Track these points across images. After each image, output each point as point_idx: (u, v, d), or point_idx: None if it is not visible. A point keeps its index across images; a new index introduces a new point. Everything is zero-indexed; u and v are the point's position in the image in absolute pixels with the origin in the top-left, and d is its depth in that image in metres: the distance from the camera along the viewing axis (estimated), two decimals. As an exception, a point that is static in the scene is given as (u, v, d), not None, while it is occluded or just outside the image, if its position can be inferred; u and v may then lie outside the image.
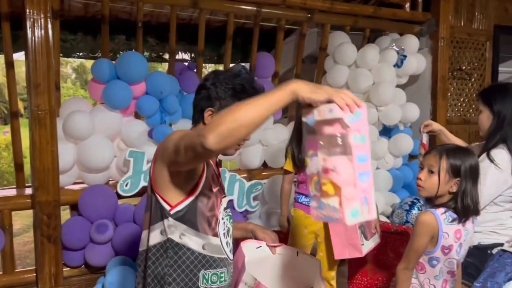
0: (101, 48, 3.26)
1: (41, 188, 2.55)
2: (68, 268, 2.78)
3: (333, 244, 1.97)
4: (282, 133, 3.42)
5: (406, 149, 3.73)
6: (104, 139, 2.79)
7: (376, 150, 3.67)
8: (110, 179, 2.96)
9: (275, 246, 1.70)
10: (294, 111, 2.56)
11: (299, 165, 2.46)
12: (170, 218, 1.38)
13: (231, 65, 3.50)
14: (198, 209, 1.40)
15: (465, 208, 1.68)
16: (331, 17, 3.62)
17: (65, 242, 2.66)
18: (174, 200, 1.38)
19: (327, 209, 1.20)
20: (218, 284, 1.45)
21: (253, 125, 1.11)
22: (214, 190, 1.45)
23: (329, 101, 1.14)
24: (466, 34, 4.15)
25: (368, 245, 1.96)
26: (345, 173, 1.15)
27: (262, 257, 1.66)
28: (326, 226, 2.42)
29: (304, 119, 1.19)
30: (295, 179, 2.61)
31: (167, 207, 1.38)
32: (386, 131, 3.91)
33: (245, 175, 3.26)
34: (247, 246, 1.64)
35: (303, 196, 2.50)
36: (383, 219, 3.37)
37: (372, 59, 3.62)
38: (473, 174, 1.69)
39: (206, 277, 1.42)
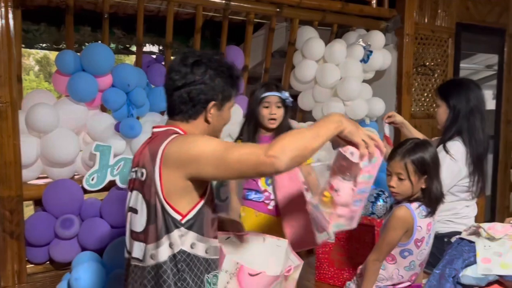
0: (66, 39, 3.17)
1: (3, 183, 2.47)
2: (32, 265, 2.72)
3: (288, 237, 1.97)
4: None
5: (372, 143, 3.81)
6: (69, 132, 2.73)
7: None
8: (76, 173, 2.90)
9: (242, 235, 1.74)
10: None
11: None
12: (182, 228, 1.32)
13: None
14: (206, 213, 1.37)
15: (434, 200, 1.76)
16: (299, 12, 3.65)
17: (29, 238, 2.59)
18: (185, 208, 1.32)
19: (320, 212, 1.51)
20: (217, 284, 1.43)
21: (313, 153, 1.27)
22: (213, 191, 1.45)
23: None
24: (430, 31, 4.27)
25: (322, 237, 2.00)
26: (344, 197, 1.44)
27: (233, 246, 1.70)
28: (279, 223, 2.35)
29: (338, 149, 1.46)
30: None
31: (178, 217, 1.32)
32: (353, 125, 3.98)
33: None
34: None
35: (253, 193, 2.35)
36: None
37: (339, 54, 3.68)
38: (435, 166, 1.76)
39: (209, 280, 1.40)
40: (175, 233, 1.31)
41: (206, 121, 1.43)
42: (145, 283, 1.36)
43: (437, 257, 2.00)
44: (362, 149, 1.36)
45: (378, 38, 3.89)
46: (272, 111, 2.25)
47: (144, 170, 1.37)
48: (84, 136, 2.91)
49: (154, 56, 3.64)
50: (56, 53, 2.99)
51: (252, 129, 2.33)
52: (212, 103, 1.40)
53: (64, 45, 3.56)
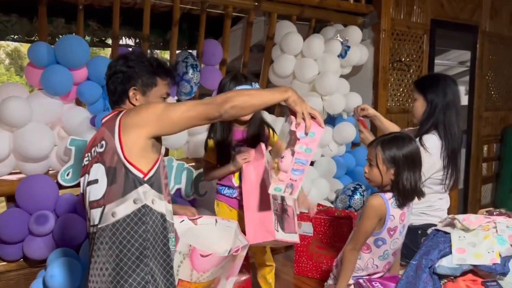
0: (39, 31, 3.09)
1: (-27, 179, 2.40)
2: (5, 263, 2.65)
3: (247, 230, 1.99)
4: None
5: (350, 137, 3.86)
6: (43, 126, 2.66)
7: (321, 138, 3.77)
8: (50, 168, 2.83)
9: (196, 219, 1.92)
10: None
11: (223, 155, 2.29)
12: (145, 185, 1.45)
13: (177, 51, 3.44)
14: (160, 175, 1.50)
15: (403, 193, 1.78)
16: (278, 6, 3.64)
17: (1, 235, 2.53)
18: (145, 167, 1.46)
19: (268, 177, 1.80)
20: (173, 248, 1.55)
21: (255, 108, 1.56)
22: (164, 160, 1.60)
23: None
24: (406, 27, 4.34)
25: (283, 235, 2.02)
26: (285, 163, 1.66)
27: (186, 229, 1.85)
28: None
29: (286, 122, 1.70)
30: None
31: (140, 175, 1.45)
32: (331, 120, 4.02)
33: (193, 163, 3.24)
34: None
35: (226, 188, 2.35)
36: (327, 204, 3.48)
37: (317, 49, 3.69)
38: (410, 160, 1.78)
39: (171, 241, 1.53)
40: (140, 190, 1.44)
41: (133, 104, 1.60)
42: (107, 241, 1.44)
43: (411, 249, 2.04)
44: (298, 118, 1.59)
45: (355, 33, 3.93)
46: None
47: (103, 142, 1.51)
48: (59, 131, 2.84)
49: (130, 49, 3.57)
50: (28, 45, 2.91)
51: (226, 126, 2.26)
52: (132, 88, 1.58)
53: (37, 37, 3.46)
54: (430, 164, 2.16)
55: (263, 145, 2.16)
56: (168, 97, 1.69)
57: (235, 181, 2.32)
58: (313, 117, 1.63)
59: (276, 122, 3.73)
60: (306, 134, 1.62)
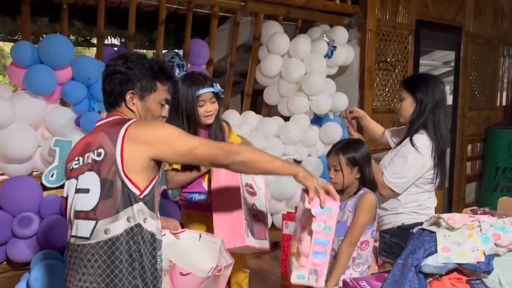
0: (22, 30, 3.04)
1: (-45, 181, 2.35)
2: (-13, 266, 2.61)
3: (215, 235, 1.89)
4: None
5: (336, 137, 3.88)
6: (26, 127, 2.62)
7: (307, 138, 3.78)
8: (34, 170, 2.79)
9: (178, 233, 1.82)
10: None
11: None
12: (140, 203, 1.39)
13: (163, 51, 3.42)
14: (155, 193, 1.45)
15: (372, 185, 2.00)
16: (264, 6, 3.64)
17: (-16, 238, 2.48)
18: (143, 184, 1.40)
19: (291, 264, 1.67)
20: (160, 264, 1.49)
21: (261, 172, 1.66)
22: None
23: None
24: (391, 27, 4.38)
25: (253, 241, 1.98)
26: (304, 245, 1.59)
27: (168, 243, 1.73)
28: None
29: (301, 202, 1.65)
30: None
31: (137, 192, 1.38)
32: (317, 120, 4.04)
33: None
34: None
35: (197, 194, 2.19)
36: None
37: (304, 49, 3.70)
38: (367, 158, 1.99)
39: (159, 259, 1.47)
40: (135, 207, 1.38)
41: (129, 109, 1.51)
42: (97, 259, 1.37)
43: (403, 248, 2.05)
44: (311, 193, 1.53)
45: (341, 33, 3.95)
46: (208, 109, 2.10)
47: (101, 151, 1.41)
48: (43, 131, 2.80)
49: (115, 49, 3.54)
50: (10, 44, 2.86)
51: (192, 129, 2.11)
52: (130, 91, 1.49)
53: (20, 36, 3.40)
54: (421, 163, 2.17)
55: None
56: (167, 103, 1.60)
57: (206, 185, 2.18)
58: (327, 192, 1.55)
59: (263, 122, 3.73)
60: (322, 207, 1.52)
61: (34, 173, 2.78)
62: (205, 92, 2.09)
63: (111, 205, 1.37)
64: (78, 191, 1.44)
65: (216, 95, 2.13)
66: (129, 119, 1.47)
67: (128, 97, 1.49)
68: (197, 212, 2.23)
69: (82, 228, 1.40)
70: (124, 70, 1.48)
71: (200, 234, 1.88)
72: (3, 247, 2.57)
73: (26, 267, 2.57)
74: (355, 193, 1.98)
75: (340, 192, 1.98)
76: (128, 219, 1.38)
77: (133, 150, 1.39)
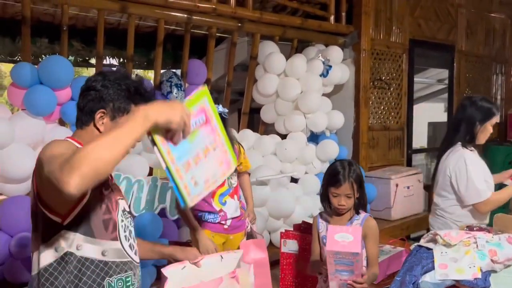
0: (22, 51, 3.08)
1: (-47, 201, 2.35)
2: (-16, 287, 2.59)
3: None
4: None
5: (333, 154, 3.91)
6: (25, 147, 2.63)
7: (304, 156, 3.81)
8: (32, 189, 2.79)
9: (198, 261, 1.69)
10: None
11: None
12: (64, 230, 1.28)
13: (161, 71, 3.46)
14: (91, 215, 1.32)
15: (364, 203, 2.01)
16: (260, 27, 3.71)
17: (-19, 259, 2.47)
18: (63, 210, 1.25)
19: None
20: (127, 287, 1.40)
21: (115, 163, 1.10)
22: (105, 193, 1.39)
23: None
24: (385, 47, 4.45)
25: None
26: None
27: (189, 275, 1.64)
28: (234, 241, 2.34)
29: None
30: None
31: (58, 219, 1.26)
32: (314, 138, 4.08)
33: (177, 182, 3.23)
34: (171, 273, 1.58)
35: (207, 214, 2.28)
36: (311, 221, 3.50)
37: (300, 69, 3.76)
38: (362, 182, 2.01)
39: (112, 284, 1.36)
40: (59, 236, 1.28)
41: (97, 129, 1.39)
42: None
43: None
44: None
45: (336, 53, 4.02)
46: None
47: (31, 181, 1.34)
48: (42, 151, 2.81)
49: (114, 69, 3.58)
50: (9, 65, 2.90)
51: None
52: (100, 111, 1.37)
53: (20, 57, 3.45)
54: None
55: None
56: None
57: (216, 205, 2.28)
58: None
59: (260, 140, 3.76)
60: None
61: (32, 193, 2.78)
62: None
63: (36, 237, 1.32)
64: None
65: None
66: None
67: (98, 116, 1.38)
68: (207, 231, 2.27)
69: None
70: (99, 87, 1.39)
71: (221, 256, 1.76)
72: (0, 268, 2.55)
73: (23, 288, 2.55)
74: (352, 214, 1.98)
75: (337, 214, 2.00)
76: (55, 250, 1.29)
77: (38, 176, 1.24)
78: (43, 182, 1.17)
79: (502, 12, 5.82)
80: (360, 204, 1.99)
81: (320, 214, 2.10)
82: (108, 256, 1.35)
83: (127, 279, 1.40)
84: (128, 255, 1.41)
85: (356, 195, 1.95)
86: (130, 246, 1.43)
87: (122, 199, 1.46)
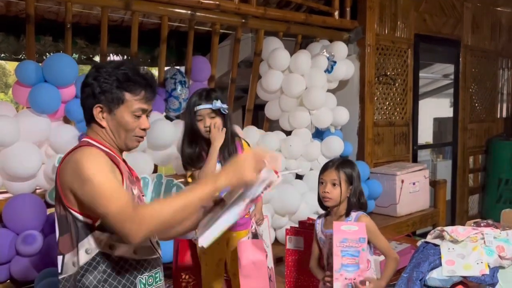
0: (26, 49, 3.08)
1: (-41, 199, 2.36)
2: (-9, 284, 2.60)
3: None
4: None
5: (338, 151, 3.89)
6: (31, 145, 2.64)
7: (309, 152, 3.80)
8: (38, 187, 2.80)
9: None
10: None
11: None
12: (96, 232, 1.29)
13: (166, 68, 3.46)
14: None
15: (362, 204, 1.97)
16: (264, 23, 3.69)
17: (-12, 256, 2.48)
18: (95, 213, 1.28)
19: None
20: (154, 285, 1.41)
21: (181, 222, 1.30)
22: (135, 192, 1.40)
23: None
24: (390, 42, 4.42)
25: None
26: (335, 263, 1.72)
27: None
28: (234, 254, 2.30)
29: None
30: None
31: (89, 221, 1.29)
32: (319, 134, 4.06)
33: (183, 179, 3.23)
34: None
35: None
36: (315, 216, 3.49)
37: (304, 65, 3.74)
38: (359, 178, 2.01)
39: (143, 281, 1.38)
40: (91, 237, 1.30)
41: (99, 125, 1.38)
42: None
43: None
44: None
45: (341, 48, 3.99)
46: (206, 124, 2.13)
47: (54, 186, 1.38)
48: (47, 149, 2.82)
49: (109, 60, 3.57)
50: (13, 63, 2.90)
51: (196, 146, 2.18)
52: (97, 105, 1.36)
53: (24, 56, 3.45)
54: None
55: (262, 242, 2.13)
56: (145, 113, 1.41)
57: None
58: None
59: (264, 137, 3.75)
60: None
61: (38, 191, 2.79)
62: (201, 108, 2.12)
63: (69, 238, 1.31)
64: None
65: (217, 111, 2.14)
66: (78, 146, 1.38)
67: (96, 111, 1.36)
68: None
69: (58, 263, 1.37)
70: (91, 81, 1.36)
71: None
72: (7, 265, 2.56)
73: (30, 285, 2.56)
74: (346, 214, 1.96)
75: (326, 209, 2.00)
76: (86, 251, 1.30)
77: (65, 184, 1.29)
78: (85, 201, 1.24)
79: (508, 6, 5.76)
80: (352, 204, 1.95)
81: (319, 216, 2.10)
82: (139, 254, 1.37)
83: (156, 275, 1.43)
84: (157, 251, 1.44)
85: (346, 190, 1.92)
86: (157, 242, 1.46)
87: (143, 195, 1.50)
